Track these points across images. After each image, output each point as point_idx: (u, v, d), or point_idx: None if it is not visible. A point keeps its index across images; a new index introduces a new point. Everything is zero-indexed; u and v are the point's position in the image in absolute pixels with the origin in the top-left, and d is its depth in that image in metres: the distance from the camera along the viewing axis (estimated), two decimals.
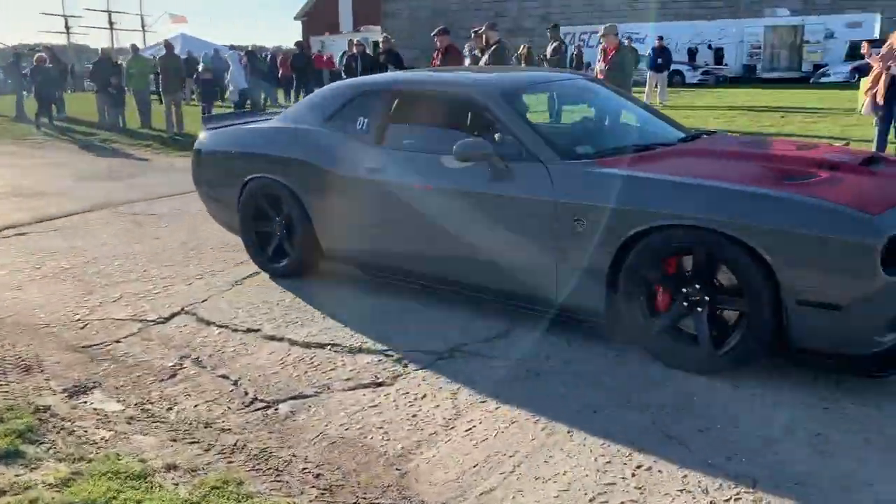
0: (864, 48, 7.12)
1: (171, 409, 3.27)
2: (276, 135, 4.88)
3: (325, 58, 33.83)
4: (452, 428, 2.98)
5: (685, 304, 3.29)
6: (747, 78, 29.38)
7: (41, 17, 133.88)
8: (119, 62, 16.66)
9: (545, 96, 4.61)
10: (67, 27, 52.63)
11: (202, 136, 5.45)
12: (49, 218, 7.19)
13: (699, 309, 3.26)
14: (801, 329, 3.01)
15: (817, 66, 28.23)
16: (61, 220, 7.09)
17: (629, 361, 3.48)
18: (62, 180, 9.55)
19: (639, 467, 2.63)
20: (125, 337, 4.09)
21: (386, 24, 37.47)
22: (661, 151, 3.95)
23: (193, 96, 20.82)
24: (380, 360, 3.65)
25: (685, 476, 2.56)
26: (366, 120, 4.45)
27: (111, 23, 56.78)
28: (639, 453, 2.71)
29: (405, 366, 3.58)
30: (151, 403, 3.33)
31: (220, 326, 4.19)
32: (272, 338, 4.00)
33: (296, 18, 51.11)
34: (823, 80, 26.15)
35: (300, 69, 16.61)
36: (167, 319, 4.34)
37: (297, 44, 17.31)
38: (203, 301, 4.61)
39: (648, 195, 3.31)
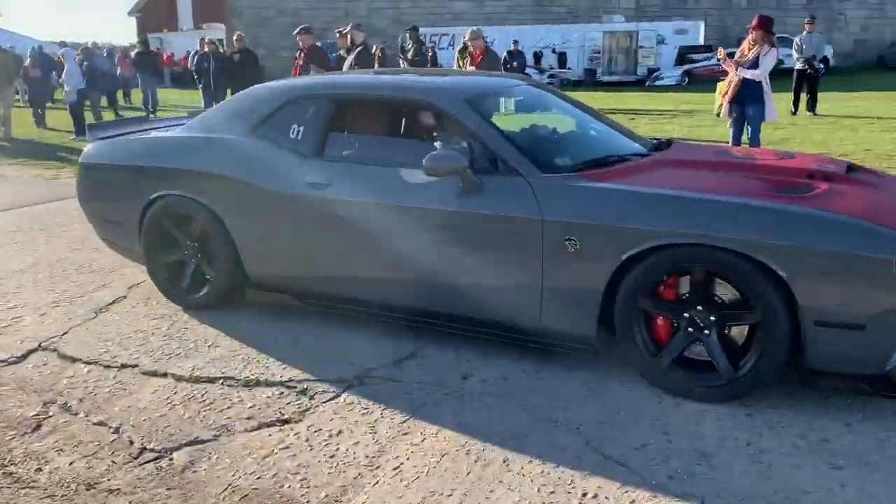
0: (720, 53, 7.52)
1: (40, 469, 2.79)
2: (189, 146, 4.27)
3: (165, 56, 32.05)
4: (378, 467, 2.73)
5: (690, 329, 3.09)
6: (589, 81, 30.77)
7: None
8: None
9: (503, 102, 4.27)
10: None
11: (89, 147, 4.71)
12: None
13: (707, 332, 3.06)
14: (818, 351, 2.87)
15: (651, 70, 30.04)
16: None
17: (548, 376, 3.38)
18: None
19: (584, 495, 2.50)
20: None
21: (231, 22, 35.95)
22: (641, 163, 3.71)
23: (17, 96, 18.94)
24: (281, 393, 3.33)
25: (633, 501, 2.46)
26: (301, 129, 3.93)
27: None
28: (581, 479, 2.59)
29: (311, 398, 3.28)
30: (15, 465, 2.82)
31: (89, 363, 3.68)
32: (153, 374, 3.56)
33: (130, 14, 47.98)
34: (658, 83, 27.85)
35: (144, 68, 15.48)
36: (21, 358, 3.76)
37: (142, 41, 16.11)
38: (63, 334, 4.05)
39: (652, 211, 3.06)
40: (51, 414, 3.20)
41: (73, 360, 3.73)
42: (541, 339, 3.41)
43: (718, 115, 7.71)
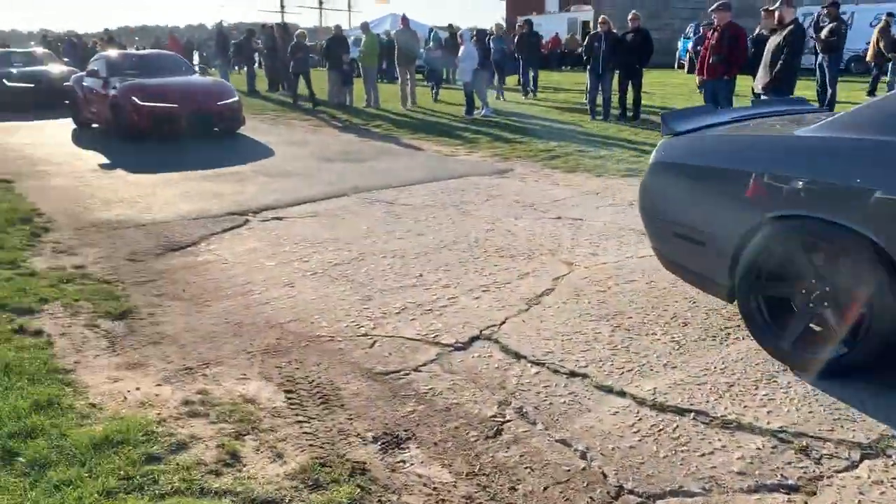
0: None
1: (514, 489, 2.51)
2: (838, 151, 3.16)
3: None
4: None
5: None
6: None
7: None
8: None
9: None
10: (283, 6, 55.50)
11: (665, 141, 3.90)
12: (301, 202, 6.89)
13: None
14: None
15: None
16: (313, 206, 6.75)
17: None
18: (305, 160, 9.40)
19: None
20: (423, 365, 3.43)
21: (598, 3, 35.79)
22: None
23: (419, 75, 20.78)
24: (774, 447, 2.68)
25: None
26: None
27: (321, 2, 59.49)
28: None
29: (817, 461, 2.59)
30: (486, 475, 2.58)
31: (535, 364, 3.41)
32: (608, 390, 3.15)
33: None
34: None
35: (527, 50, 15.81)
36: (466, 345, 3.63)
37: (526, 21, 16.54)
38: (501, 324, 3.86)
39: None
40: (507, 418, 2.95)
41: (518, 356, 3.49)
42: None
43: None
